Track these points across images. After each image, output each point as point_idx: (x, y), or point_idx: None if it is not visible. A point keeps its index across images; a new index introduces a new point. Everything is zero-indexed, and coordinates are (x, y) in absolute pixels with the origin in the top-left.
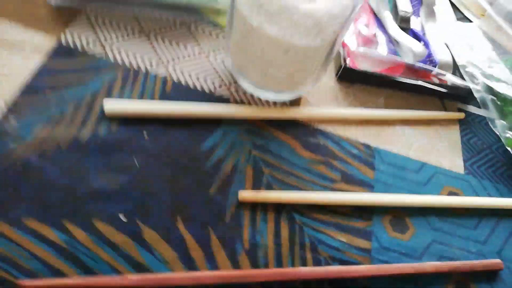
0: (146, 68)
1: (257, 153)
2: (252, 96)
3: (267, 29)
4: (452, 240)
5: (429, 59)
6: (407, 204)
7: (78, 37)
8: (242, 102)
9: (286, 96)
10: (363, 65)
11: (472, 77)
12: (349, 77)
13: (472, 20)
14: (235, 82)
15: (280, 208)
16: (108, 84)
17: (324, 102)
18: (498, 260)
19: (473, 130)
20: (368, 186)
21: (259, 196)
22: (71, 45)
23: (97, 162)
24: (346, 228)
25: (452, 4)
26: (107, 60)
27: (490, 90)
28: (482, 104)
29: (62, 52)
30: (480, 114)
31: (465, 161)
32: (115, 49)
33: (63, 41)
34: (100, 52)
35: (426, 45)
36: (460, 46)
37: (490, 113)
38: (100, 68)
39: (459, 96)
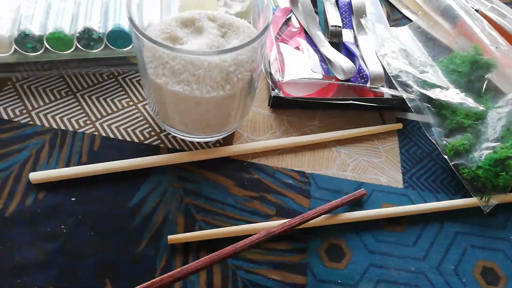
0: (74, 128)
1: (189, 199)
2: (183, 140)
3: (172, 86)
4: (390, 261)
5: (359, 74)
6: (338, 221)
7: (4, 108)
8: (174, 148)
9: (216, 136)
10: (294, 91)
11: (405, 86)
12: (281, 104)
13: (411, 19)
14: (165, 129)
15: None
16: (35, 152)
17: (258, 133)
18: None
19: (412, 139)
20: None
21: (188, 236)
22: None
23: (23, 233)
24: (280, 265)
25: (390, 4)
26: (34, 127)
27: (425, 97)
28: (418, 112)
29: None
30: (420, 120)
31: (404, 173)
32: (41, 114)
33: None
34: (27, 120)
35: (357, 59)
36: (392, 55)
37: (428, 118)
38: (28, 136)
39: (396, 106)
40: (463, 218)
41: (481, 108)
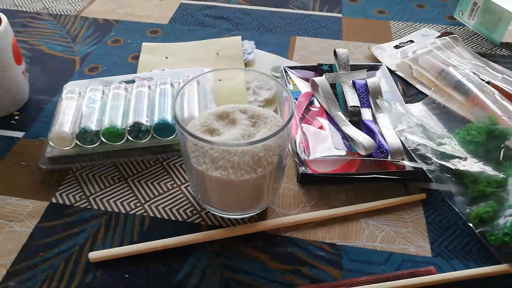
0: (126, 210)
1: (229, 274)
2: (221, 217)
3: (213, 172)
4: None
5: (379, 149)
6: None
7: (67, 195)
8: (213, 224)
9: (251, 213)
10: (320, 168)
11: (424, 158)
12: (308, 180)
13: (426, 93)
14: (204, 208)
15: None
16: (93, 234)
17: (289, 208)
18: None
19: (437, 208)
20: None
21: None
22: (61, 203)
23: None
24: None
25: (405, 81)
26: (92, 211)
27: (444, 168)
28: (440, 182)
29: (53, 212)
30: (443, 189)
31: (431, 242)
32: (98, 199)
33: (54, 201)
34: (85, 204)
35: (376, 135)
36: (409, 130)
37: (450, 187)
38: (86, 220)
39: (419, 177)
40: (497, 287)
41: (501, 175)
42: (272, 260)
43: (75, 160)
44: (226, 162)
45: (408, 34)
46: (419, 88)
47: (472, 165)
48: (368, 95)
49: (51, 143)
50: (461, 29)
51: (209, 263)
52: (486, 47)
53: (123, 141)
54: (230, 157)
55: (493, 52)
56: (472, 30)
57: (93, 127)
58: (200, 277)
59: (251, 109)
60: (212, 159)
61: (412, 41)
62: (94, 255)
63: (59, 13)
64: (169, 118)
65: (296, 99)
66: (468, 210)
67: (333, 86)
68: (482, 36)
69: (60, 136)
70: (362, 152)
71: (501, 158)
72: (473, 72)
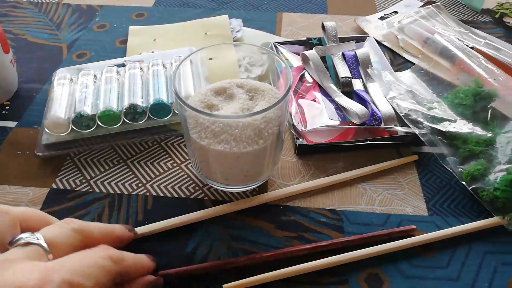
0: (128, 191)
1: (236, 244)
2: (223, 191)
3: (215, 146)
4: (427, 284)
5: (373, 117)
6: (374, 253)
7: (67, 180)
8: (216, 199)
9: (252, 185)
10: (316, 138)
11: (416, 123)
12: (306, 151)
13: (413, 62)
14: (207, 184)
15: None
16: (97, 215)
17: (289, 179)
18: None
19: (430, 169)
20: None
21: (241, 283)
22: (62, 188)
23: None
24: None
25: (392, 51)
26: (94, 194)
27: (436, 131)
28: (431, 145)
29: (55, 197)
30: (435, 152)
31: (427, 202)
32: (99, 182)
33: (54, 186)
34: (87, 188)
35: (369, 104)
36: (399, 97)
37: (442, 149)
38: (89, 202)
39: (411, 141)
40: (489, 238)
41: (489, 134)
42: (276, 229)
43: (72, 146)
44: (228, 136)
45: (392, 5)
46: (405, 57)
47: (462, 126)
48: (358, 65)
49: (47, 130)
50: None
51: (216, 235)
52: (468, 14)
53: (119, 123)
54: (232, 131)
55: (474, 19)
56: None
57: (89, 111)
58: (208, 248)
59: (248, 83)
60: (214, 134)
61: (396, 12)
62: None
63: (40, 0)
64: (164, 98)
65: None
66: (460, 169)
67: (323, 59)
68: (463, 4)
69: (56, 122)
70: (356, 121)
71: (488, 119)
72: (457, 39)
